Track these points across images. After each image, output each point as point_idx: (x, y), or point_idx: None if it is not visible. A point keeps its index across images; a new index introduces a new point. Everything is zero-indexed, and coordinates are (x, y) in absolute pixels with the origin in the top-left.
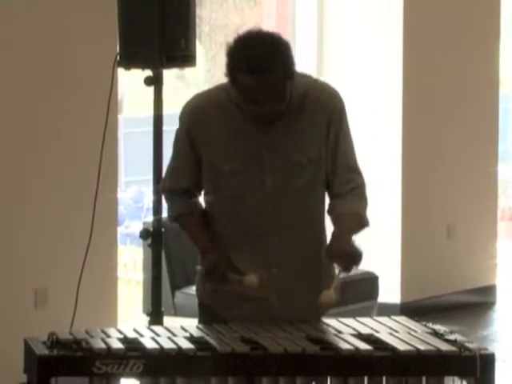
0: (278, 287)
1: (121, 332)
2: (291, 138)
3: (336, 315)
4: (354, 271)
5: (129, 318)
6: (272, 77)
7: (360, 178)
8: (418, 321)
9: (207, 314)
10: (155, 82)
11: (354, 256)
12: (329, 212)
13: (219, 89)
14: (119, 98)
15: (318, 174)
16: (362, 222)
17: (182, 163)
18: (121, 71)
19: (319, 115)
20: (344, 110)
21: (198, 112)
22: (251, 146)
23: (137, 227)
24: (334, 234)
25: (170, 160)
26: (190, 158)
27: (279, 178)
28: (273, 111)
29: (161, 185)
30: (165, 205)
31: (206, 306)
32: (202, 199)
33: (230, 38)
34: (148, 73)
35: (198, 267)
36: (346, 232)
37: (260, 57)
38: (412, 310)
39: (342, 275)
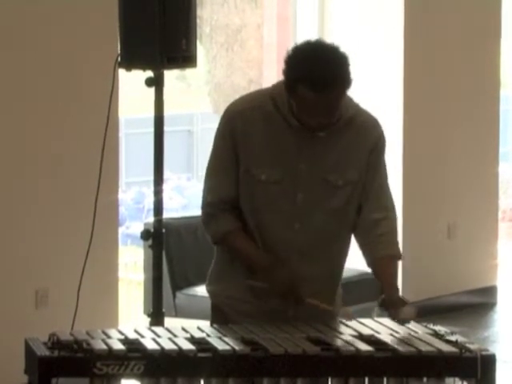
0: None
1: (121, 333)
2: (331, 158)
3: None
4: (355, 272)
5: (130, 319)
6: (333, 94)
7: (393, 210)
8: (418, 322)
9: (222, 319)
10: (156, 82)
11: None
12: (364, 244)
13: (266, 95)
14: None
15: (351, 198)
16: (398, 259)
17: (227, 173)
18: (122, 72)
19: (363, 141)
20: (385, 140)
21: (241, 116)
22: (289, 159)
23: (138, 228)
24: (387, 283)
25: (209, 170)
26: (234, 165)
27: (311, 195)
28: (321, 123)
29: (204, 200)
30: (170, 207)
31: (222, 311)
32: None
33: (231, 39)
34: (149, 74)
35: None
36: (395, 282)
37: (326, 75)
38: None
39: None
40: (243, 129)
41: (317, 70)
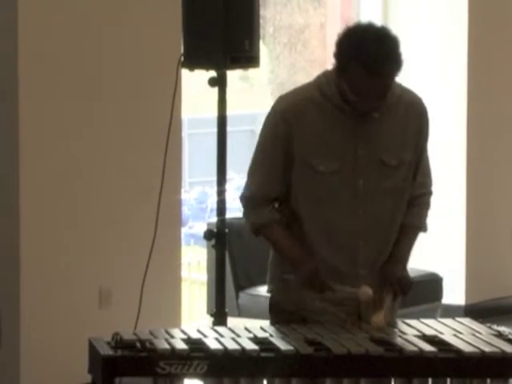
0: None
1: (184, 332)
2: (385, 138)
3: (400, 316)
4: (418, 273)
5: (193, 319)
6: (385, 73)
7: (431, 184)
8: (482, 322)
9: (285, 319)
10: (219, 82)
11: (408, 285)
12: None
13: (311, 87)
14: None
15: (406, 178)
16: (421, 232)
17: (274, 169)
18: (185, 72)
19: (412, 120)
20: (429, 117)
21: (293, 111)
22: (346, 146)
23: (200, 228)
24: (394, 254)
25: (254, 164)
26: (282, 162)
27: (370, 179)
28: (373, 105)
29: (246, 191)
30: (233, 207)
31: (288, 311)
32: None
33: (294, 39)
34: (212, 74)
35: (286, 276)
36: (406, 254)
37: (378, 54)
38: (477, 311)
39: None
40: (297, 121)
41: (370, 48)
